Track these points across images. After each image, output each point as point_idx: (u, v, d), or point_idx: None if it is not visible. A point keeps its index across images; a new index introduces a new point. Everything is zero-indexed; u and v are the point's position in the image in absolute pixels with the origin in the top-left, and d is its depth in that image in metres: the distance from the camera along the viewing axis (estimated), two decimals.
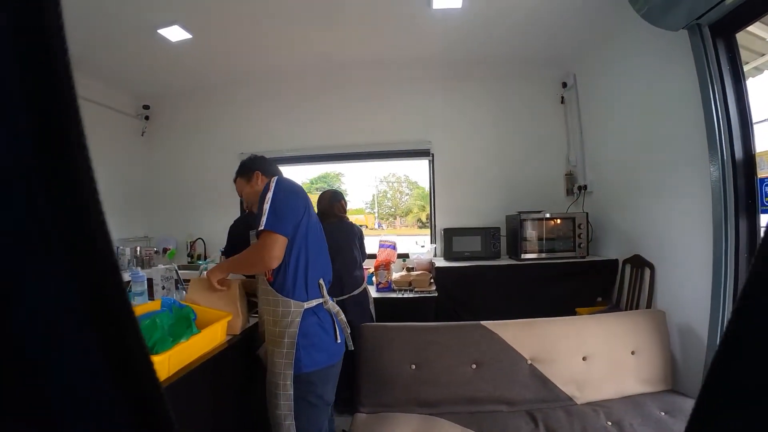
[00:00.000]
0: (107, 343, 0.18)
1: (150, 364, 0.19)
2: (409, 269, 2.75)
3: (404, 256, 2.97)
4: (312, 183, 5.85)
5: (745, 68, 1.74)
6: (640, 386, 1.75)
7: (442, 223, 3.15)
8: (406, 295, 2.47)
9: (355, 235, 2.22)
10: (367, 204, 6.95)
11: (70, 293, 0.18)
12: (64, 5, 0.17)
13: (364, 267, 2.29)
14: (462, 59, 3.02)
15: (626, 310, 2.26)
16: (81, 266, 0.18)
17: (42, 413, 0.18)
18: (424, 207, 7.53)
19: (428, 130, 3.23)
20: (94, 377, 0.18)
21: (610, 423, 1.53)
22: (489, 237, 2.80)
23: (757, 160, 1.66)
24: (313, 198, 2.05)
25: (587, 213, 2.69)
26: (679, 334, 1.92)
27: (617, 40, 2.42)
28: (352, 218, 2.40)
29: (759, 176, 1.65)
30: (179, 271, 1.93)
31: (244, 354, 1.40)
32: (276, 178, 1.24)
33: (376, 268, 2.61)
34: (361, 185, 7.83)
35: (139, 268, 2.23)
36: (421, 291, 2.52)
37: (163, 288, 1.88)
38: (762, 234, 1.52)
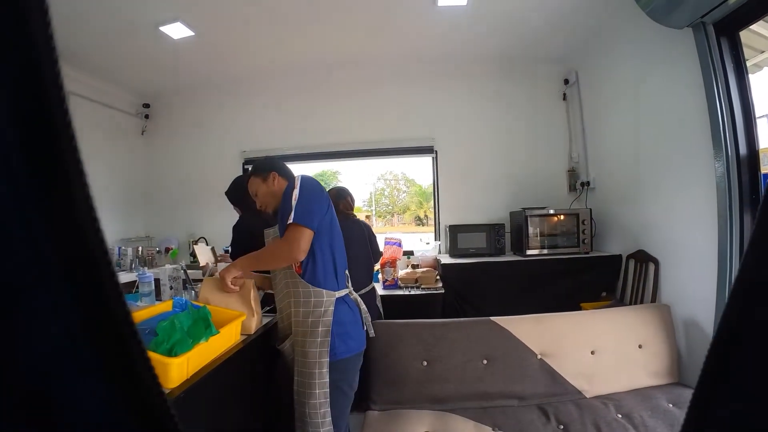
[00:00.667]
0: (111, 365, 0.19)
1: (160, 389, 0.20)
2: (414, 266, 2.76)
3: (408, 253, 2.98)
4: None
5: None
6: (648, 379, 1.78)
7: (446, 220, 3.16)
8: (413, 292, 2.48)
9: (363, 233, 2.21)
10: (364, 202, 6.96)
11: (72, 318, 0.18)
12: (63, 6, 0.16)
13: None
14: (465, 56, 3.03)
15: (630, 304, 2.29)
16: (83, 294, 0.18)
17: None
18: (421, 204, 7.55)
19: (432, 127, 3.24)
20: (103, 405, 0.18)
21: (620, 416, 1.55)
22: (493, 233, 2.82)
23: (761, 155, 1.69)
24: None
25: (590, 209, 2.71)
26: (685, 328, 1.96)
27: (619, 37, 2.43)
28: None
29: (763, 171, 1.68)
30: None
31: (261, 353, 1.40)
32: (301, 176, 1.30)
33: (382, 265, 2.61)
34: (358, 183, 7.83)
35: (146, 269, 2.21)
36: (427, 288, 2.53)
37: (171, 288, 1.87)
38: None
